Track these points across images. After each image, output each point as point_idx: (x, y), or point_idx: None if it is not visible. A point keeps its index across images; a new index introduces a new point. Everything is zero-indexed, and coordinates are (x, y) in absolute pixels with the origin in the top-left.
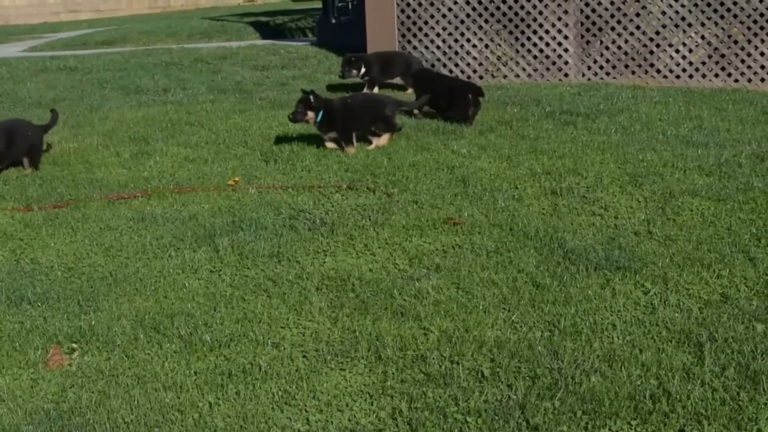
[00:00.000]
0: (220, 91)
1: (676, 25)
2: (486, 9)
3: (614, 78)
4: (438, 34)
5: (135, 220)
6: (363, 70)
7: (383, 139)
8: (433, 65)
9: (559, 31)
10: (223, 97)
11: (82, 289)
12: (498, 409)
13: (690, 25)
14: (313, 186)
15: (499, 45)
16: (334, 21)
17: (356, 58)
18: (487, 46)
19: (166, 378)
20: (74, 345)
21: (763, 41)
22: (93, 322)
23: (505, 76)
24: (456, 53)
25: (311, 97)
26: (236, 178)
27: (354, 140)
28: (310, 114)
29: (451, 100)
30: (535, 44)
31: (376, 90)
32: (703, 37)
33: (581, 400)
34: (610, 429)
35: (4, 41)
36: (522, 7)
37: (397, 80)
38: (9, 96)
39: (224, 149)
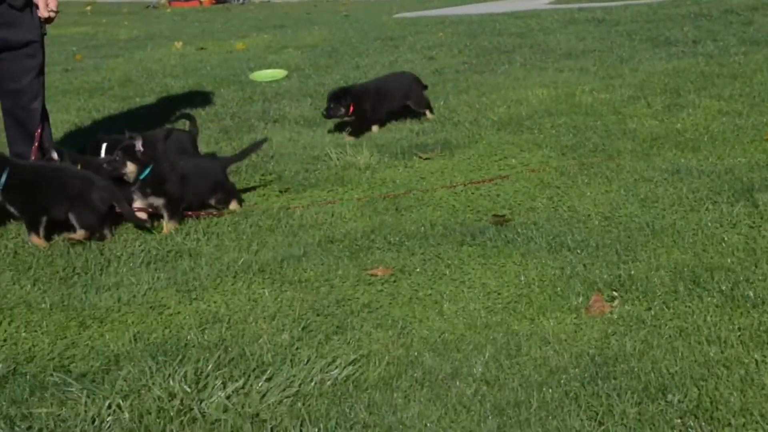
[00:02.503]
0: (753, 43)
1: None
2: None
3: None
4: None
5: (669, 172)
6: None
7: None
8: None
9: None
10: (756, 49)
11: (619, 239)
12: None
13: None
14: None
15: None
16: None
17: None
18: None
19: (709, 332)
20: (614, 293)
21: None
22: (632, 272)
23: None
24: None
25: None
26: None
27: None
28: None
29: (406, 93)
30: None
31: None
32: None
33: None
34: None
35: None
36: None
37: None
38: (540, 47)
39: (759, 102)
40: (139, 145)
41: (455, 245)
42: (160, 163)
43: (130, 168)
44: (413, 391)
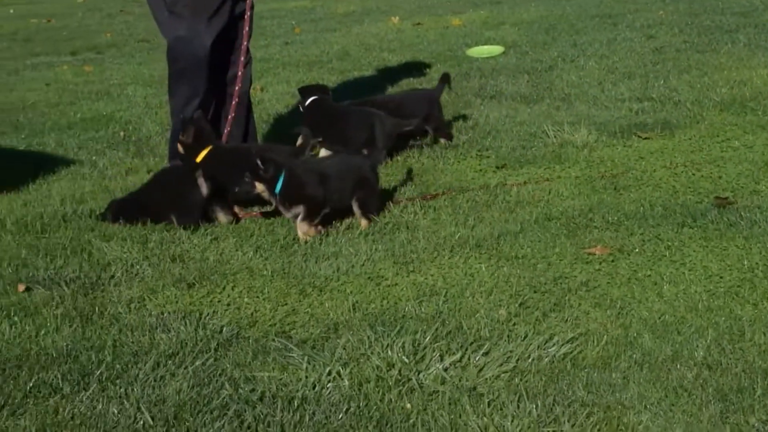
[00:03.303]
0: None
1: None
2: None
3: None
4: None
5: None
6: None
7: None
8: None
9: None
10: None
11: None
12: None
13: None
14: None
15: None
16: None
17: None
18: None
19: None
20: None
21: None
22: None
23: None
24: None
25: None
26: None
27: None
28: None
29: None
30: None
31: None
32: None
33: None
34: None
35: None
36: None
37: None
38: (765, 26)
39: None
40: (259, 163)
41: (675, 227)
42: (292, 170)
43: (259, 188)
44: (632, 372)
